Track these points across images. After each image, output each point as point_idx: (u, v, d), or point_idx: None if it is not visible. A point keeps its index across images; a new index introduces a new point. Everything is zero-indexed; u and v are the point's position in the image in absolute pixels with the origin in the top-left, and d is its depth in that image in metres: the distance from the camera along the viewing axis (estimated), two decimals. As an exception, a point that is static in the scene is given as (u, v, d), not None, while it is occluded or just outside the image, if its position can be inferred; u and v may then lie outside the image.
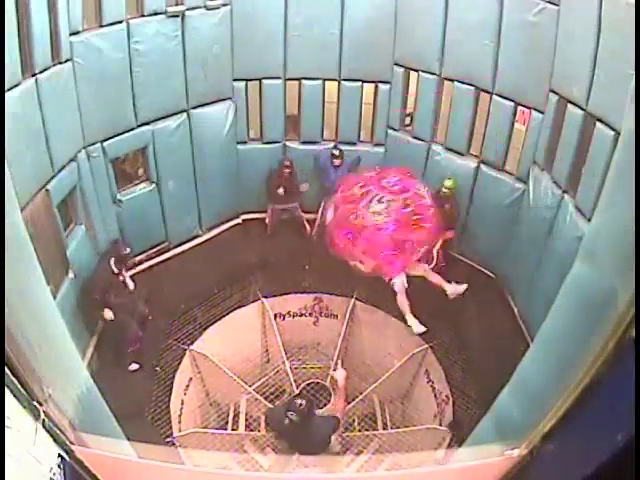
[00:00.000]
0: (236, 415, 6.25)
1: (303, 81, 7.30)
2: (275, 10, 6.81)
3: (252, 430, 6.07)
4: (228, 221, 7.83)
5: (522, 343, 5.50)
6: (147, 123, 6.32)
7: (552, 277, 4.65)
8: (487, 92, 6.47)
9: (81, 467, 1.69)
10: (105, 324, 5.76)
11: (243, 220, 7.97)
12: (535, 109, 6.06)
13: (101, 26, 5.44)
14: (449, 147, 7.06)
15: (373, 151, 7.71)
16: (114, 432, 2.47)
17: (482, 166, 6.80)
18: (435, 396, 6.18)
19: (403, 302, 5.70)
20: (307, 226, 7.79)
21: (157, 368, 5.81)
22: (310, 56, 7.07)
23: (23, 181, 4.46)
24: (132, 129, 6.17)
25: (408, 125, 7.59)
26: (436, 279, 5.79)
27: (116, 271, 5.79)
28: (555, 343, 2.01)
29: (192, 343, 6.24)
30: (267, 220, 7.80)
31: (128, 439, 2.47)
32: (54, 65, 4.98)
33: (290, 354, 6.87)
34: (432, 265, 6.24)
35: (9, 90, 4.21)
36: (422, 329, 5.65)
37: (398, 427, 6.10)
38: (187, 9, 6.13)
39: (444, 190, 6.65)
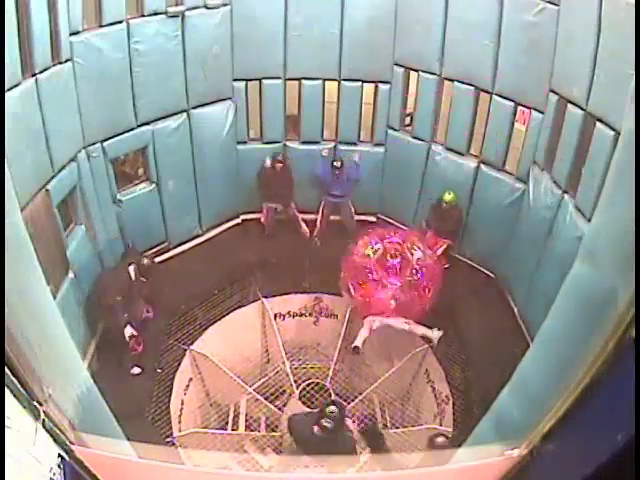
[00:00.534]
0: (236, 415, 6.25)
1: (303, 81, 7.30)
2: (275, 10, 6.82)
3: (252, 430, 6.07)
4: (228, 221, 7.84)
5: (522, 343, 5.51)
6: (147, 123, 6.32)
7: (552, 277, 4.64)
8: (487, 92, 6.48)
9: (81, 467, 1.68)
10: (106, 327, 5.75)
11: (243, 220, 7.97)
12: (535, 109, 6.06)
13: (101, 26, 5.44)
14: (449, 147, 7.06)
15: (373, 151, 7.72)
16: (114, 432, 2.46)
17: (482, 166, 6.80)
18: (435, 396, 6.19)
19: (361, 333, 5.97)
20: (303, 225, 7.74)
21: (159, 370, 5.81)
22: (310, 56, 7.07)
23: (23, 181, 4.46)
24: (132, 129, 6.18)
25: (408, 125, 7.59)
26: (421, 331, 6.04)
27: (134, 278, 5.78)
28: (555, 343, 2.01)
29: (192, 343, 6.24)
30: (262, 219, 7.72)
31: (128, 439, 2.46)
32: (54, 65, 4.98)
33: (290, 354, 6.87)
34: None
35: (9, 90, 4.20)
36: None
37: (398, 427, 6.10)
38: (187, 9, 6.13)
39: (444, 205, 6.73)
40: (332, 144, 7.69)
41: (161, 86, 6.21)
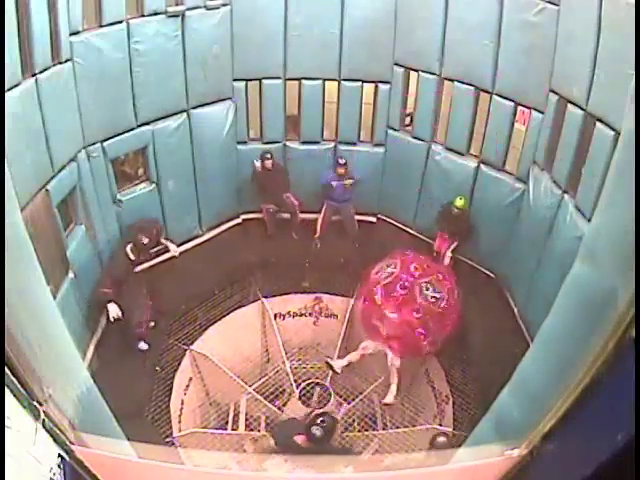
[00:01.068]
0: (236, 415, 6.25)
1: (303, 81, 7.30)
2: (275, 10, 6.81)
3: (252, 430, 6.07)
4: (228, 221, 7.83)
5: (522, 343, 5.50)
6: (147, 123, 6.32)
7: (552, 277, 4.65)
8: (487, 92, 6.48)
9: (81, 467, 1.68)
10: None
11: (243, 220, 7.96)
12: (535, 109, 6.06)
13: (101, 26, 5.44)
14: (449, 147, 7.06)
15: (373, 151, 7.72)
16: (114, 432, 2.46)
17: (482, 166, 6.80)
18: (435, 396, 6.19)
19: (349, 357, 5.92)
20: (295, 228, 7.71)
21: (157, 368, 5.81)
22: (310, 56, 7.07)
23: (23, 181, 4.46)
24: (132, 129, 6.17)
25: (408, 125, 7.59)
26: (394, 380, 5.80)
27: (133, 258, 5.75)
28: (555, 343, 2.01)
29: (192, 343, 6.24)
30: (265, 219, 7.72)
31: (128, 439, 2.46)
32: (54, 65, 4.98)
33: (290, 354, 6.87)
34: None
35: (9, 90, 4.20)
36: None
37: (398, 427, 6.10)
38: (187, 9, 6.13)
39: (456, 211, 6.68)
40: (332, 144, 7.69)
41: (161, 86, 6.21)
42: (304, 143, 7.69)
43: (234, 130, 7.32)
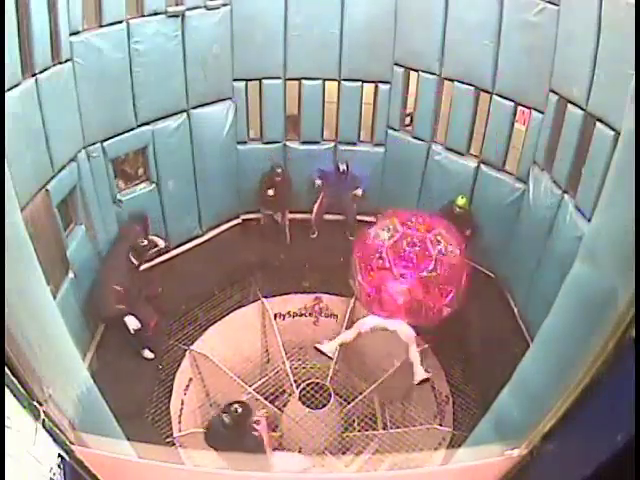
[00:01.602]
0: (236, 415, 6.24)
1: (303, 81, 7.29)
2: (275, 10, 6.81)
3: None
4: (228, 221, 7.83)
5: (522, 343, 5.51)
6: (147, 123, 6.31)
7: (552, 277, 4.65)
8: (487, 92, 6.47)
9: (81, 467, 1.69)
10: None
11: (243, 220, 7.96)
12: (535, 109, 6.06)
13: (101, 26, 5.43)
14: (449, 147, 7.06)
15: (373, 151, 7.71)
16: (114, 432, 2.46)
17: (482, 166, 6.80)
18: (435, 396, 6.19)
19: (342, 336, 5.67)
20: (287, 233, 7.69)
21: (159, 366, 5.81)
22: (310, 56, 7.07)
23: (23, 181, 4.45)
24: (132, 129, 6.17)
25: (408, 125, 7.59)
26: (414, 359, 5.48)
27: (136, 263, 5.73)
28: (555, 343, 2.01)
29: (192, 343, 6.24)
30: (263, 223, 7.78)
31: (128, 439, 2.46)
32: (54, 65, 4.97)
33: (290, 354, 6.87)
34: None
35: (9, 90, 4.20)
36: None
37: (398, 427, 6.10)
38: (187, 9, 6.12)
39: (458, 210, 6.59)
40: (332, 144, 7.69)
41: (161, 86, 6.20)
42: (304, 143, 7.69)
43: (234, 130, 7.32)
